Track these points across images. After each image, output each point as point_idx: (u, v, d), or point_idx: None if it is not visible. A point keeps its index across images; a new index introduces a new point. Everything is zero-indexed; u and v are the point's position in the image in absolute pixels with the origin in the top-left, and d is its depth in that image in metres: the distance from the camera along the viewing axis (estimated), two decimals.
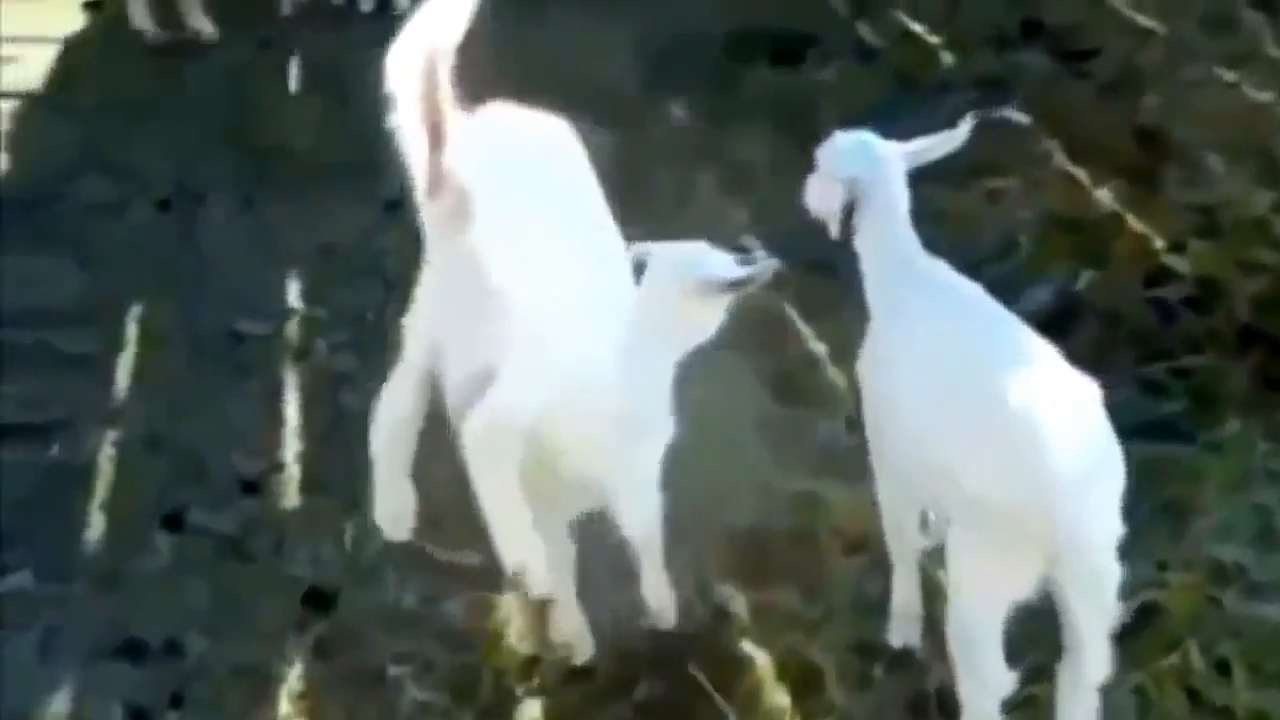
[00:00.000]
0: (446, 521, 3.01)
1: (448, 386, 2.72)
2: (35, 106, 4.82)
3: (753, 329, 3.65)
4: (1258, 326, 3.58)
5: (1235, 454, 3.21)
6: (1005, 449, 2.31)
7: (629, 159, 4.21)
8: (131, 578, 3.05)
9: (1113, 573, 2.34)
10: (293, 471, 3.33)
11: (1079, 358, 3.50)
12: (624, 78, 4.81)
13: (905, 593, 2.76)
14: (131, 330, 3.79)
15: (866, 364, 2.67)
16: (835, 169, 2.66)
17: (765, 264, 2.63)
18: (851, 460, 2.96)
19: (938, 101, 4.60)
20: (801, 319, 3.76)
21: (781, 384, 3.56)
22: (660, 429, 2.65)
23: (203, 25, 5.19)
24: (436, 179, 2.67)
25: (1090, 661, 2.37)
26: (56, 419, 3.47)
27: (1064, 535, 2.28)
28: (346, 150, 4.37)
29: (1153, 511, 3.03)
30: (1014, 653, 2.45)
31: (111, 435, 3.42)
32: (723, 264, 2.62)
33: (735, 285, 2.60)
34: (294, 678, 2.81)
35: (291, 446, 3.40)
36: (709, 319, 2.65)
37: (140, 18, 5.14)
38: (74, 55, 5.13)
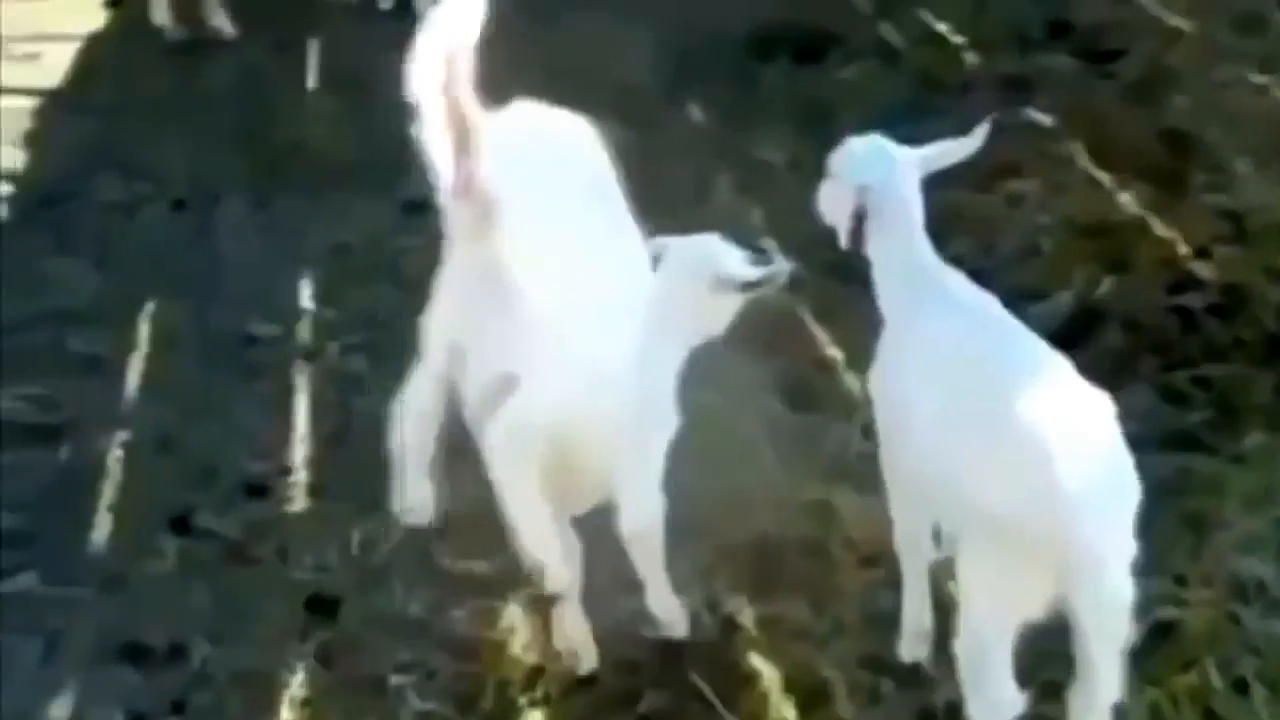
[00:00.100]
0: (454, 529, 2.99)
1: (467, 389, 2.71)
2: (54, 105, 4.82)
3: (767, 333, 3.63)
4: None
5: (1259, 466, 3.14)
6: (1015, 465, 2.26)
7: (645, 158, 4.17)
8: (137, 581, 3.04)
9: (1126, 593, 2.29)
10: (301, 475, 3.31)
11: (1100, 366, 3.46)
12: (643, 76, 4.78)
13: (916, 607, 2.71)
14: (143, 331, 3.78)
15: (878, 374, 2.62)
16: (847, 175, 2.62)
17: (780, 266, 2.64)
18: (865, 469, 2.91)
19: (960, 102, 4.56)
20: (817, 323, 3.71)
21: (795, 390, 3.51)
22: (666, 423, 2.66)
23: (222, 23, 5.19)
24: (465, 183, 2.64)
25: (1102, 684, 2.32)
26: (67, 420, 3.46)
27: (1075, 554, 2.23)
28: (363, 150, 4.36)
29: (1172, 525, 2.98)
30: (1025, 671, 2.40)
31: (121, 437, 3.41)
32: (738, 261, 2.64)
33: (750, 286, 2.61)
34: (296, 685, 2.78)
35: (300, 450, 3.38)
36: (721, 315, 2.67)
37: (160, 15, 5.13)
38: (93, 53, 5.13)
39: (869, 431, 2.79)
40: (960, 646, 2.37)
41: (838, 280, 3.48)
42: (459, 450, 2.82)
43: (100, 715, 2.75)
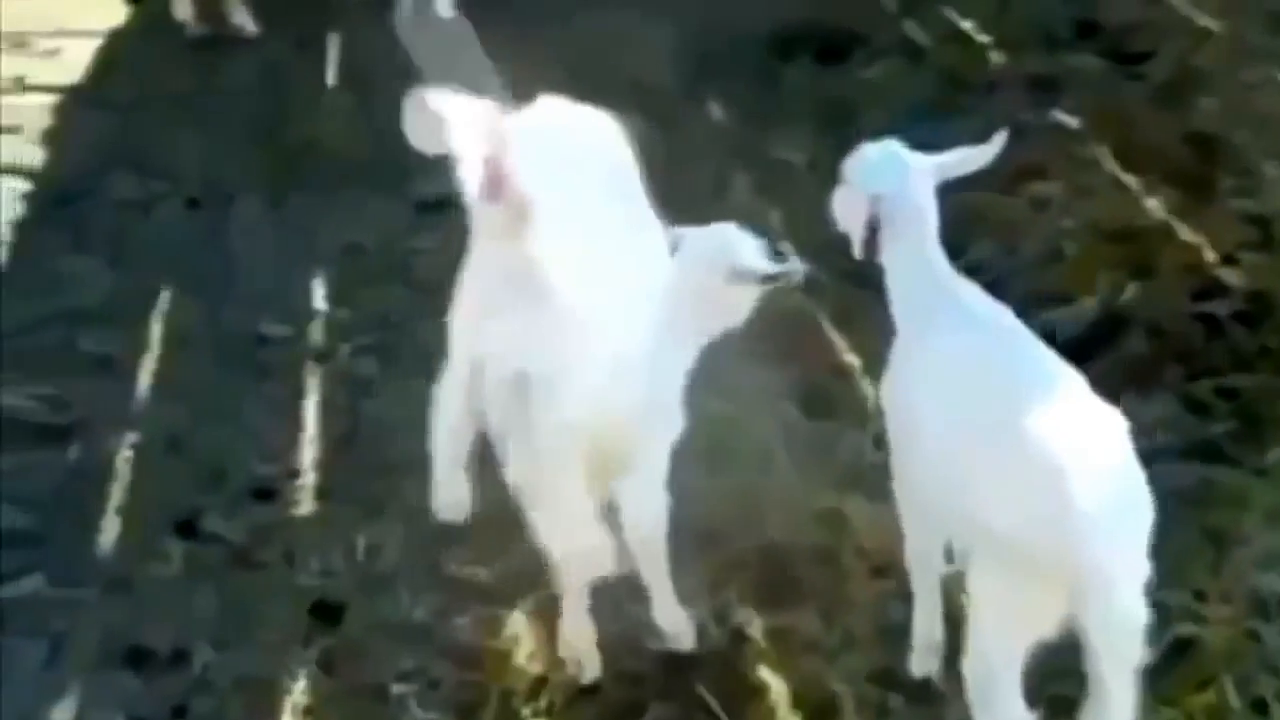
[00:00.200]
0: (461, 534, 2.95)
1: (491, 391, 2.67)
2: (73, 101, 4.82)
3: (784, 338, 3.59)
4: None
5: None
6: (1026, 484, 2.21)
7: (664, 157, 4.13)
8: (142, 584, 3.02)
9: (1139, 614, 2.23)
10: (308, 478, 3.28)
11: (1122, 373, 3.43)
12: (665, 74, 4.73)
13: (927, 622, 2.66)
14: (155, 331, 3.77)
15: (889, 384, 2.58)
16: (860, 184, 2.57)
17: (797, 265, 2.64)
18: (879, 477, 2.86)
19: (985, 102, 4.50)
20: (835, 328, 3.66)
21: (811, 396, 3.46)
22: (672, 420, 2.66)
23: (244, 20, 5.17)
24: (496, 184, 2.61)
25: (1115, 705, 2.26)
26: (77, 420, 3.44)
27: (1086, 575, 2.18)
28: (379, 149, 4.32)
29: (1192, 538, 2.92)
30: (1035, 687, 2.35)
31: (130, 438, 3.39)
32: (755, 252, 2.64)
33: (766, 280, 2.62)
34: (298, 692, 2.75)
35: (308, 452, 3.35)
36: (738, 307, 2.67)
37: (182, 10, 5.12)
38: (114, 50, 5.12)
39: (882, 440, 2.75)
40: (969, 666, 2.32)
41: (856, 285, 3.42)
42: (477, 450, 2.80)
43: None
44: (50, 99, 4.81)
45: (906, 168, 2.57)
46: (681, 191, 3.79)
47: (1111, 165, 4.17)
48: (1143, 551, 2.24)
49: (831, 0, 5.08)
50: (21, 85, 4.88)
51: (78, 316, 3.78)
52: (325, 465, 3.31)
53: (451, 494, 2.78)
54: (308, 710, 2.73)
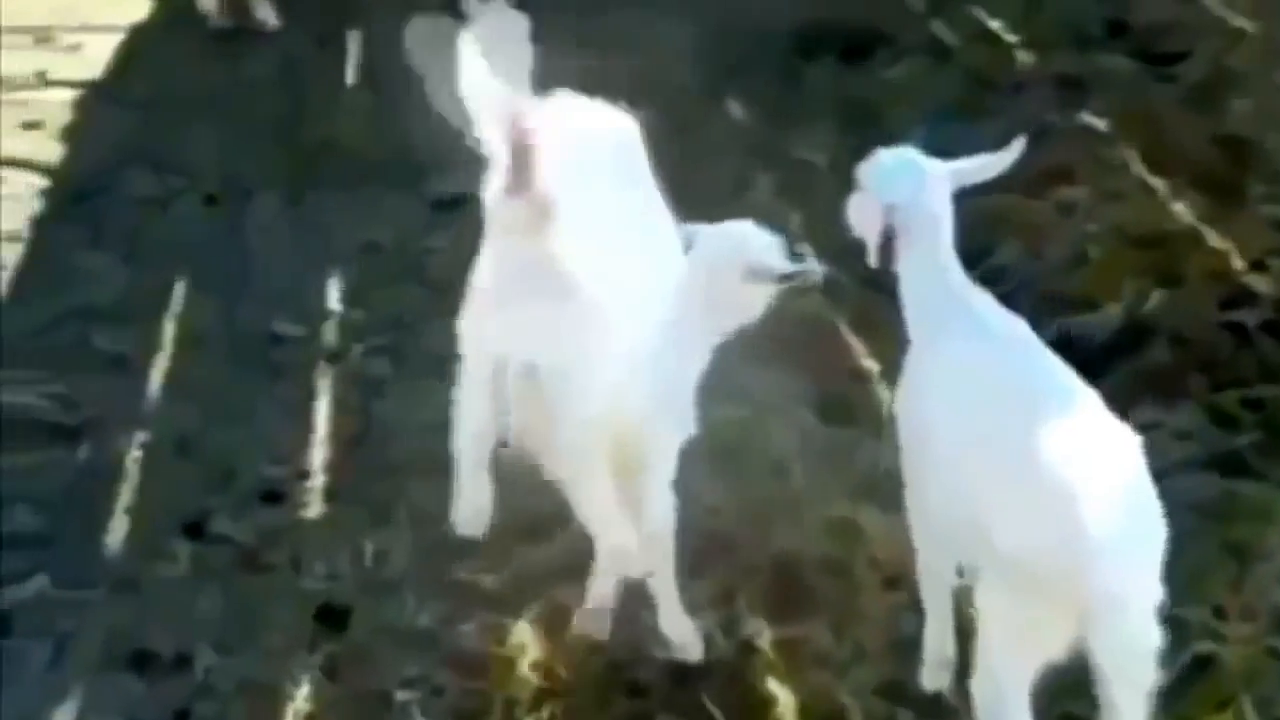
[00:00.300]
0: (471, 541, 2.92)
1: (512, 388, 2.64)
2: (94, 96, 4.81)
3: (802, 342, 3.54)
4: None
5: None
6: (1036, 503, 2.16)
7: (685, 156, 4.09)
8: (148, 586, 3.00)
9: (1150, 640, 2.18)
10: (318, 480, 3.26)
11: (1145, 383, 3.36)
12: (686, 73, 4.68)
13: (938, 636, 2.61)
14: (169, 329, 3.75)
15: (902, 397, 2.54)
16: (876, 191, 2.52)
17: (814, 264, 2.63)
18: (894, 486, 2.80)
19: (1013, 103, 4.43)
20: (854, 333, 3.61)
21: (828, 401, 3.41)
22: (683, 420, 2.64)
23: (266, 14, 5.15)
24: (521, 178, 2.58)
25: None
26: (87, 419, 3.43)
27: (1095, 598, 2.13)
28: (398, 147, 4.31)
29: (1213, 552, 2.86)
30: (1045, 707, 2.30)
31: (140, 438, 3.37)
32: (772, 250, 2.63)
33: (782, 278, 2.61)
34: (301, 698, 2.73)
35: (318, 454, 3.33)
36: (752, 305, 2.65)
37: (207, 1, 5.10)
38: (135, 44, 5.11)
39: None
40: (977, 685, 2.28)
41: (875, 289, 3.36)
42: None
43: None
44: (71, 94, 4.80)
45: (922, 175, 2.52)
46: (701, 191, 3.75)
47: (1139, 169, 4.10)
48: (1155, 574, 2.19)
49: None
50: (43, 80, 4.88)
51: (92, 314, 3.76)
52: (335, 467, 3.29)
53: (473, 505, 2.70)
54: (310, 717, 2.70)
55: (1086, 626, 2.15)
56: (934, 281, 2.48)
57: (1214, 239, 3.81)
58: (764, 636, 2.80)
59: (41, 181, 4.36)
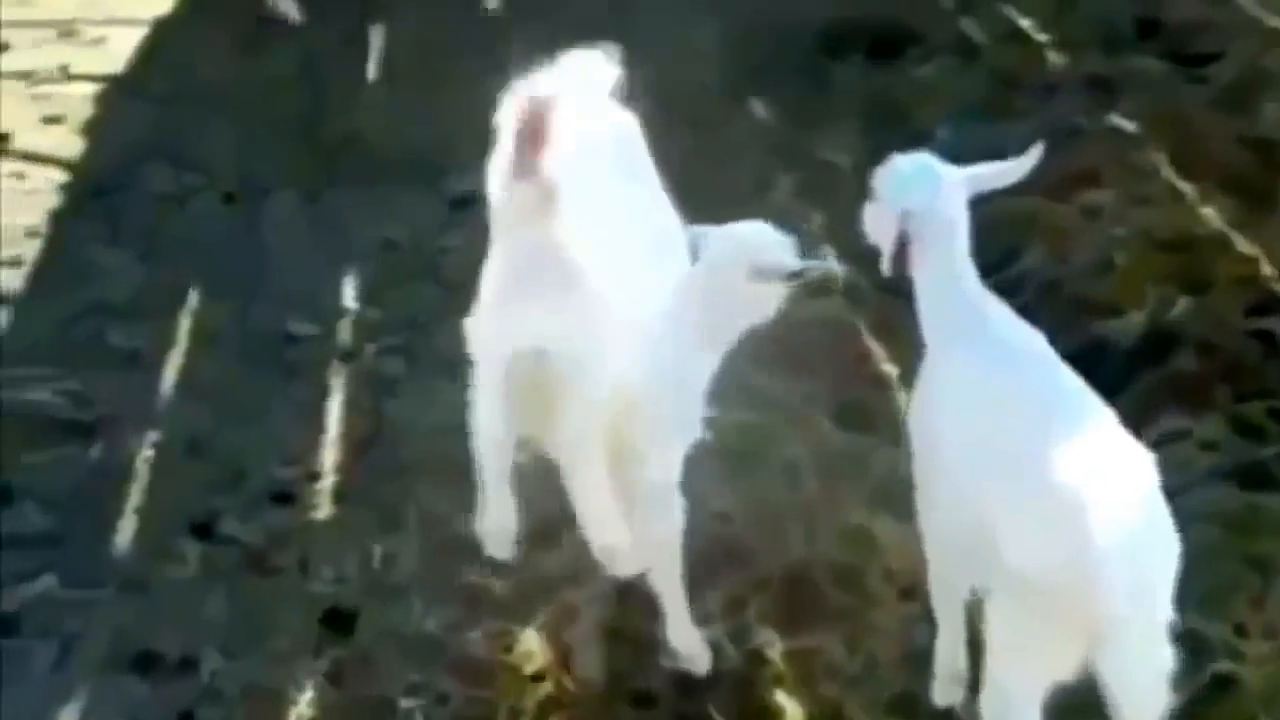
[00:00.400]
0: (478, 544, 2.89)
1: (519, 378, 2.60)
2: (116, 91, 4.80)
3: (821, 346, 3.50)
4: None
5: None
6: (1046, 521, 2.11)
7: (706, 155, 4.06)
8: (155, 587, 2.98)
9: (1159, 664, 2.13)
10: (328, 481, 3.23)
11: (1169, 392, 3.30)
12: (710, 71, 4.63)
13: (950, 650, 2.56)
14: (184, 327, 3.74)
15: (915, 406, 2.49)
16: (891, 197, 2.47)
17: (826, 263, 2.63)
18: (910, 495, 2.76)
19: (1042, 104, 4.37)
20: (874, 338, 3.55)
21: (846, 407, 3.36)
22: (692, 419, 2.61)
23: (289, 8, 5.13)
24: (528, 162, 2.55)
25: None
26: (100, 417, 3.42)
27: (1105, 618, 2.08)
28: (417, 144, 4.28)
29: (1236, 568, 2.81)
30: None
31: (152, 436, 3.36)
32: (783, 249, 2.61)
33: (791, 276, 2.59)
34: (305, 703, 2.71)
35: (329, 455, 3.31)
36: (762, 305, 2.63)
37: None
38: (158, 38, 5.10)
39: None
40: (985, 704, 2.23)
41: (896, 294, 3.32)
42: None
43: None
44: (93, 89, 4.80)
45: (938, 181, 2.47)
46: (723, 191, 3.72)
47: (1168, 172, 4.03)
48: (1166, 596, 2.13)
49: None
50: (66, 74, 4.87)
51: (107, 310, 3.75)
52: (345, 468, 3.26)
53: (498, 524, 2.62)
54: None
55: (1095, 647, 2.10)
56: (949, 290, 2.43)
57: (1243, 244, 3.74)
58: (774, 647, 2.76)
59: (61, 176, 4.35)
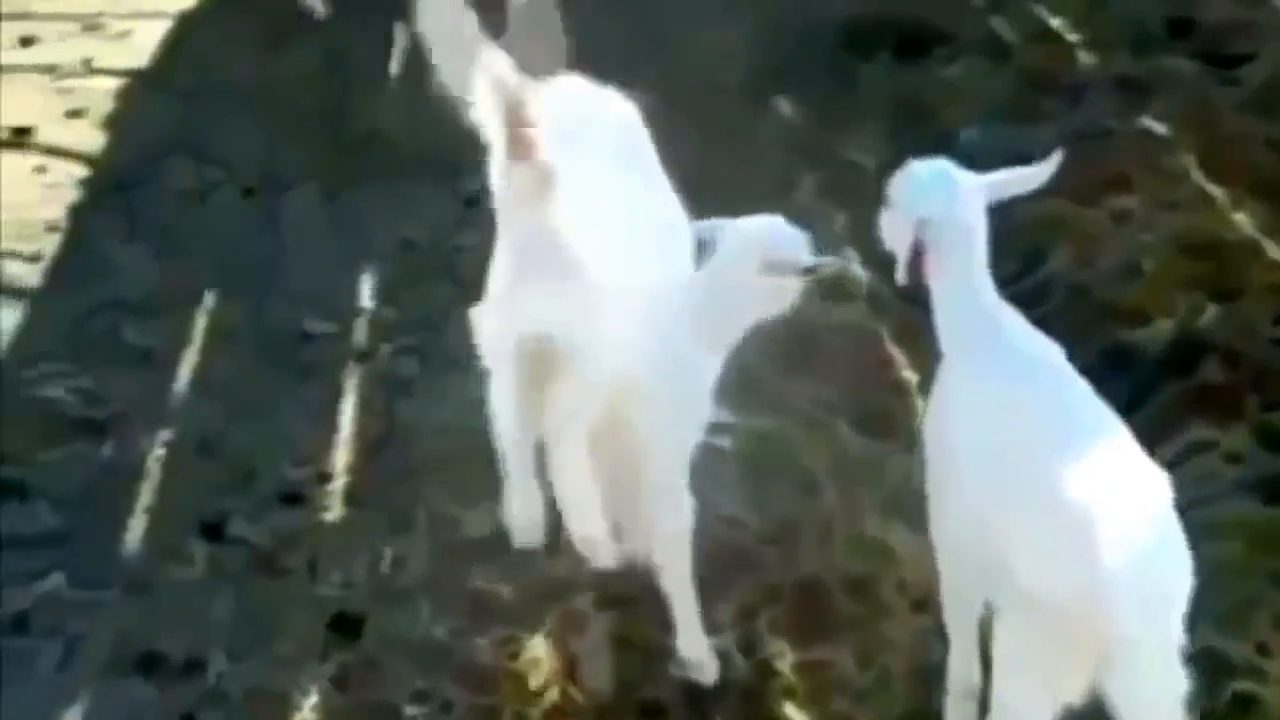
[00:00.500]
0: (490, 549, 2.86)
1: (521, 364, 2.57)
2: (140, 85, 4.79)
3: (842, 351, 3.45)
4: None
5: None
6: (1056, 540, 2.07)
7: (729, 154, 4.02)
8: (162, 587, 2.96)
9: (1172, 688, 2.07)
10: (338, 482, 3.21)
11: (1194, 401, 3.23)
12: (735, 68, 4.58)
13: (963, 665, 2.51)
14: (199, 324, 3.72)
15: (929, 417, 2.45)
16: (907, 205, 2.43)
17: (840, 260, 2.63)
18: (925, 505, 2.71)
19: (1071, 106, 4.30)
20: (895, 344, 3.50)
21: (865, 413, 3.31)
22: (698, 415, 2.58)
23: (315, 2, 5.11)
24: (522, 142, 2.53)
25: None
26: (113, 415, 3.40)
27: (1116, 640, 2.02)
28: (436, 142, 4.24)
29: (1259, 584, 2.75)
30: None
31: (164, 435, 3.34)
32: (796, 244, 2.60)
33: (806, 271, 2.58)
34: (309, 708, 2.69)
35: (341, 456, 3.28)
36: (773, 299, 2.61)
37: None
38: (182, 32, 5.09)
39: None
40: None
41: (918, 300, 3.27)
42: None
43: None
44: (116, 83, 4.79)
45: (955, 188, 2.42)
46: (746, 191, 3.66)
47: (1199, 176, 3.96)
48: (1178, 619, 2.07)
49: None
50: (89, 68, 4.87)
51: (123, 307, 3.73)
52: (357, 470, 3.23)
53: (526, 515, 2.60)
54: None
55: (1104, 669, 2.05)
56: (965, 300, 2.38)
57: (1274, 251, 3.67)
58: (784, 658, 2.72)
59: (83, 171, 4.35)
